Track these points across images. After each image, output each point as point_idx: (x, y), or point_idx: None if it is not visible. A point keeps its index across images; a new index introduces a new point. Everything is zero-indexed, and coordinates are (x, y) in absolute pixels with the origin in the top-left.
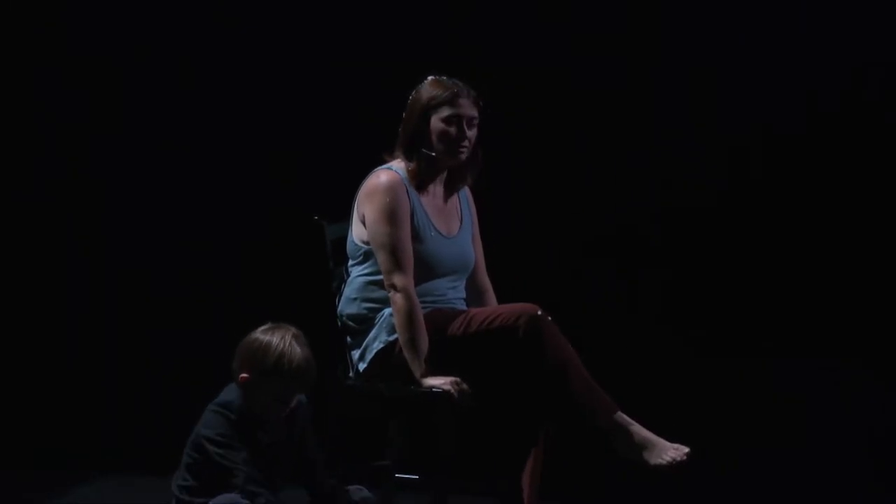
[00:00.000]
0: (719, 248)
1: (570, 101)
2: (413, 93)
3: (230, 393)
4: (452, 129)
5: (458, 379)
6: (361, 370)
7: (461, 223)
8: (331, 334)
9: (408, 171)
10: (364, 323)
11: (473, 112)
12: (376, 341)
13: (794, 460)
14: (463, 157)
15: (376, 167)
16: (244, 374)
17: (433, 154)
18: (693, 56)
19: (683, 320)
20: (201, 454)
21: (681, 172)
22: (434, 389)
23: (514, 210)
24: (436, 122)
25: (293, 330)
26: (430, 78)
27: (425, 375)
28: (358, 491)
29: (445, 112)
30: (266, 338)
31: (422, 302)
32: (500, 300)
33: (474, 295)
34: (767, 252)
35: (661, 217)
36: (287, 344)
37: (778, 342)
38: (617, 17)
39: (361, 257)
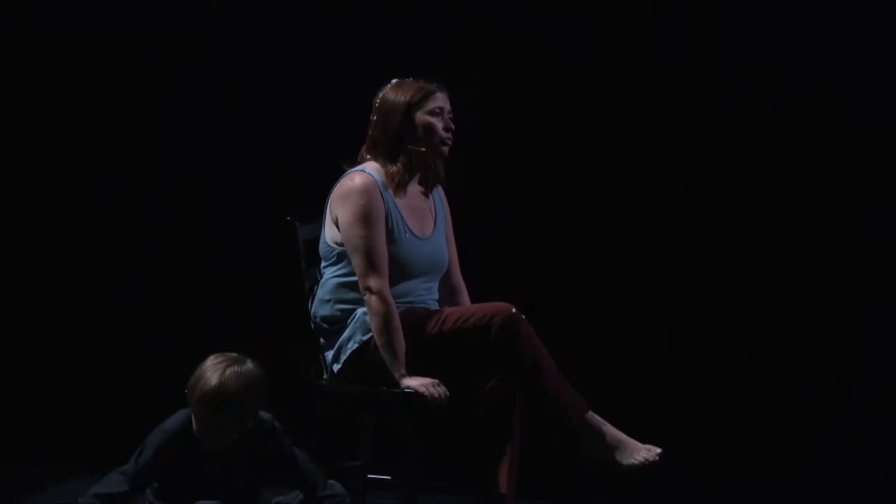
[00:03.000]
0: (718, 248)
1: (570, 101)
2: (379, 97)
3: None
4: (438, 122)
5: (436, 381)
6: (336, 371)
7: (435, 223)
8: (304, 336)
9: (386, 173)
10: (337, 324)
11: (450, 106)
12: (351, 341)
13: (794, 460)
14: (446, 151)
15: (346, 170)
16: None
17: (422, 149)
18: (693, 56)
19: (682, 320)
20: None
21: (681, 172)
22: (407, 390)
23: (511, 209)
24: (421, 117)
25: (237, 362)
26: (393, 81)
27: (404, 377)
28: (332, 486)
29: (430, 105)
30: (203, 364)
31: (396, 303)
32: (479, 301)
33: (448, 294)
34: (766, 252)
35: (660, 217)
36: (210, 372)
37: (777, 341)
38: (617, 17)
39: (334, 258)
